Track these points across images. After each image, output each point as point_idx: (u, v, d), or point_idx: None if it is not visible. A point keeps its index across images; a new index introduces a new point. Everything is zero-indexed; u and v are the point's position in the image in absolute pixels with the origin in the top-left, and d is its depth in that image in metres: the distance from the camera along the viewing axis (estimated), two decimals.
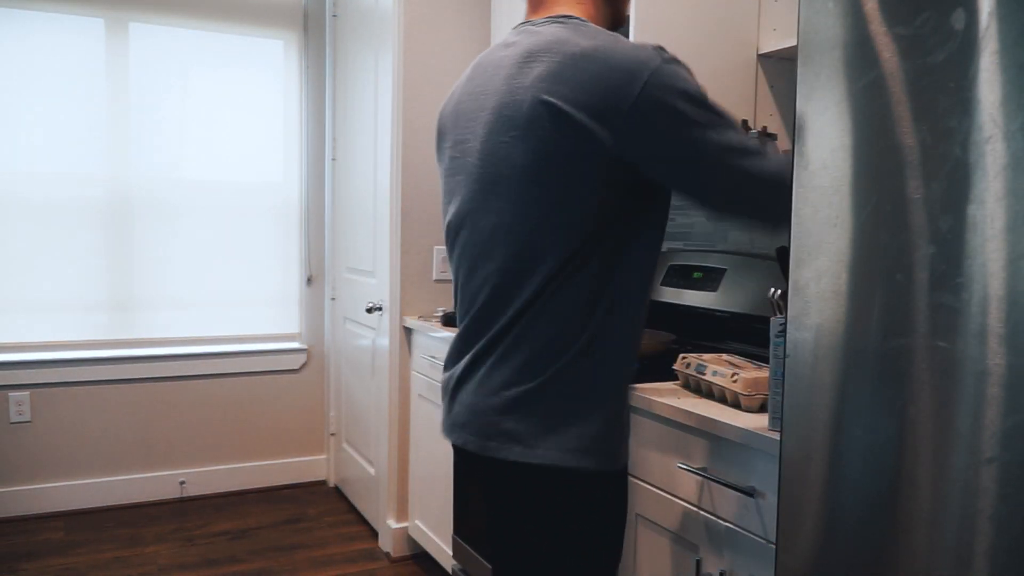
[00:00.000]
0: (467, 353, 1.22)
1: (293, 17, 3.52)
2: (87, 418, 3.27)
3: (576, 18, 1.17)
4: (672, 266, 2.26)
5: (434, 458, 2.66)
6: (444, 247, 2.89)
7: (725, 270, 2.06)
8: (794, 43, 1.83)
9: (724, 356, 1.60)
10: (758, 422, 1.33)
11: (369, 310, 2.95)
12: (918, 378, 0.83)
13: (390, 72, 2.79)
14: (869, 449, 0.88)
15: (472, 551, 2.33)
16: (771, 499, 1.28)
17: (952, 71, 0.78)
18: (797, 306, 0.97)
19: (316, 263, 3.64)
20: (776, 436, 1.23)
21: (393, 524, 2.90)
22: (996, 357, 0.76)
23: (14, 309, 3.16)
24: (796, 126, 0.96)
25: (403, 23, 2.76)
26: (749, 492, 1.31)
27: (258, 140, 3.51)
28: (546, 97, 1.08)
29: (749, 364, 1.53)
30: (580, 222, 1.10)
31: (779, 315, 1.27)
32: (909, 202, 0.83)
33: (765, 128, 1.97)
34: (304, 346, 3.63)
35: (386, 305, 2.88)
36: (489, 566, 2.20)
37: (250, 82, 3.47)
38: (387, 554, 2.91)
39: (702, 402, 1.48)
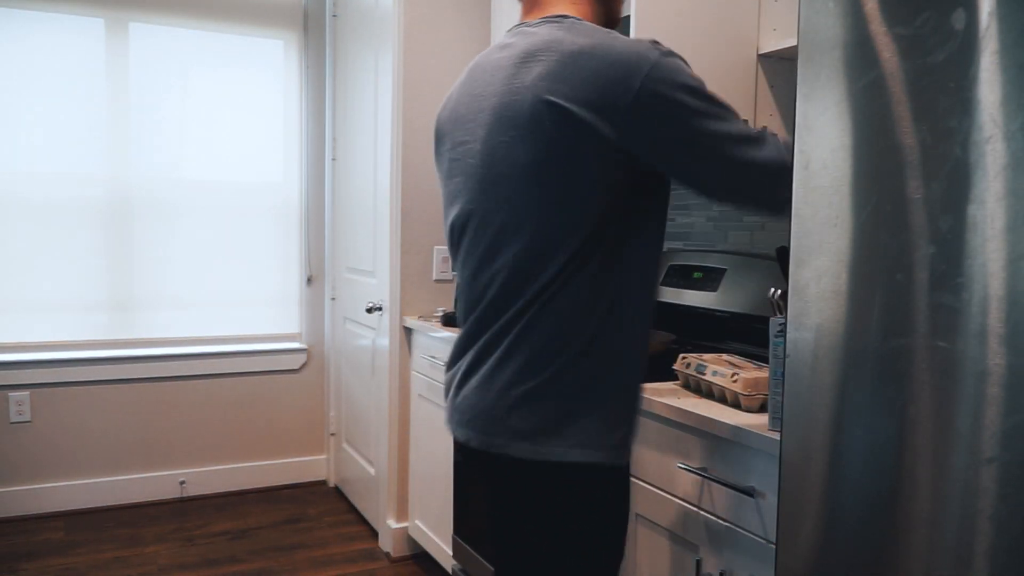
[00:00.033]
0: (470, 350, 1.22)
1: (293, 17, 3.52)
2: (87, 418, 3.27)
3: (571, 17, 1.17)
4: (672, 266, 2.26)
5: (434, 458, 2.66)
6: (444, 247, 2.90)
7: (725, 270, 2.06)
8: (794, 43, 1.83)
9: (724, 356, 1.60)
10: (758, 422, 1.33)
11: (369, 310, 2.95)
12: (918, 378, 0.83)
13: (390, 72, 2.79)
14: (869, 449, 0.88)
15: (472, 551, 2.33)
16: (771, 499, 1.28)
17: (952, 71, 0.78)
18: (797, 306, 0.97)
19: (316, 263, 3.64)
20: (776, 436, 1.23)
21: (393, 524, 2.90)
22: (996, 357, 0.76)
23: (14, 309, 3.16)
24: (796, 126, 0.96)
25: (403, 23, 2.76)
26: (749, 492, 1.31)
27: (258, 140, 3.51)
28: (547, 96, 1.08)
29: (749, 364, 1.53)
30: (581, 222, 1.10)
31: (779, 315, 1.27)
32: (909, 202, 0.83)
33: (765, 128, 1.97)
34: (304, 346, 3.63)
35: (386, 305, 2.88)
36: (490, 567, 2.20)
37: (250, 82, 3.47)
38: (387, 554, 2.91)
39: (702, 402, 1.48)
